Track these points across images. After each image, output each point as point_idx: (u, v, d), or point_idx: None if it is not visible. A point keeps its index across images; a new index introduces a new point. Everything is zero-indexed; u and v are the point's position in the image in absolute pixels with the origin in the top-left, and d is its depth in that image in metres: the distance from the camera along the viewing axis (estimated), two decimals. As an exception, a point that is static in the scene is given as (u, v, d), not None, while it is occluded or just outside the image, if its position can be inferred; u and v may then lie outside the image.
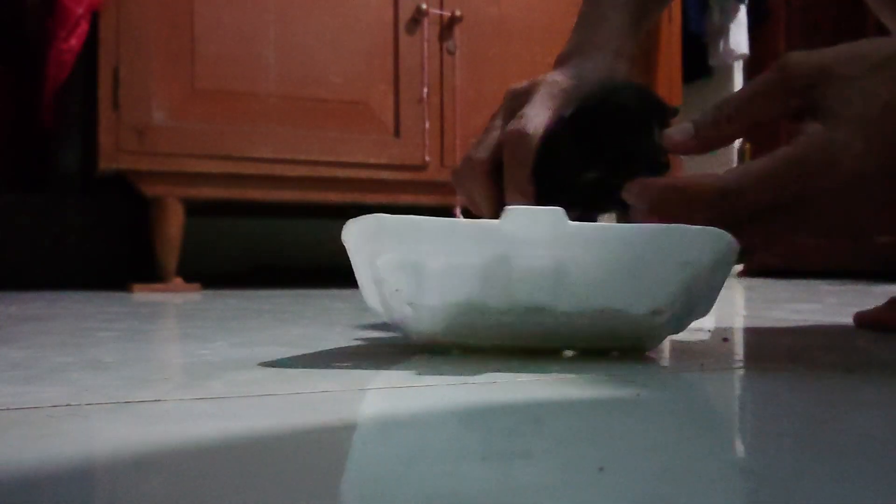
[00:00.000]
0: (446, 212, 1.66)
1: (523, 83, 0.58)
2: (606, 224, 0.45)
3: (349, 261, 0.47)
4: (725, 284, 0.53)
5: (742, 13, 2.69)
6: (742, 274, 2.44)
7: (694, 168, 0.62)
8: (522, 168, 0.53)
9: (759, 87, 0.45)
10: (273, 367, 0.49)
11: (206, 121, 1.51)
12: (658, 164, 0.49)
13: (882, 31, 0.75)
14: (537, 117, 0.54)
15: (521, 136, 0.53)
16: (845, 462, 0.28)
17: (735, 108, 0.45)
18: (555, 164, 0.53)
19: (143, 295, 1.36)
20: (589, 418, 0.37)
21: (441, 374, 0.45)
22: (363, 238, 0.45)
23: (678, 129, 0.47)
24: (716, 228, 0.44)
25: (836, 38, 0.80)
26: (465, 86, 1.71)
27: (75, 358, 0.52)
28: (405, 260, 0.45)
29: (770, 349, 0.60)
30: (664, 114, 0.50)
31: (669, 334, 0.52)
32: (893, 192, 0.42)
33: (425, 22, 1.67)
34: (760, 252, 0.47)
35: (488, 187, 0.56)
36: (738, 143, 0.73)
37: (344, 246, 0.47)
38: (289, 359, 0.52)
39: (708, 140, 0.46)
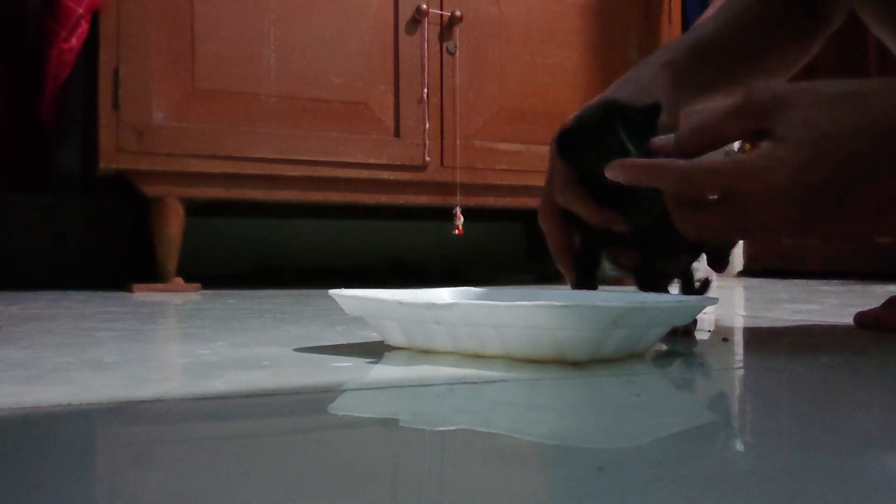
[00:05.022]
0: (447, 211, 1.66)
1: None
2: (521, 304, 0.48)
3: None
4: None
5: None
6: (741, 274, 2.44)
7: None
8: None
9: (728, 108, 0.54)
10: (273, 366, 0.49)
11: (206, 121, 1.51)
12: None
13: (879, 41, 0.75)
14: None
15: None
16: (845, 462, 0.28)
17: (709, 123, 0.54)
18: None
19: (143, 295, 1.36)
20: (589, 418, 0.37)
21: (439, 375, 0.45)
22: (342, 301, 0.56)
23: (663, 137, 0.56)
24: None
25: (835, 41, 0.80)
26: (465, 86, 1.71)
27: (75, 358, 0.52)
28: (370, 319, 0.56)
29: (770, 349, 0.60)
30: (638, 118, 0.57)
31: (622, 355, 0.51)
32: (817, 201, 0.51)
33: (425, 22, 1.67)
34: (709, 239, 0.57)
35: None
36: (737, 144, 0.77)
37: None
38: (289, 358, 0.52)
39: (684, 147, 0.54)
